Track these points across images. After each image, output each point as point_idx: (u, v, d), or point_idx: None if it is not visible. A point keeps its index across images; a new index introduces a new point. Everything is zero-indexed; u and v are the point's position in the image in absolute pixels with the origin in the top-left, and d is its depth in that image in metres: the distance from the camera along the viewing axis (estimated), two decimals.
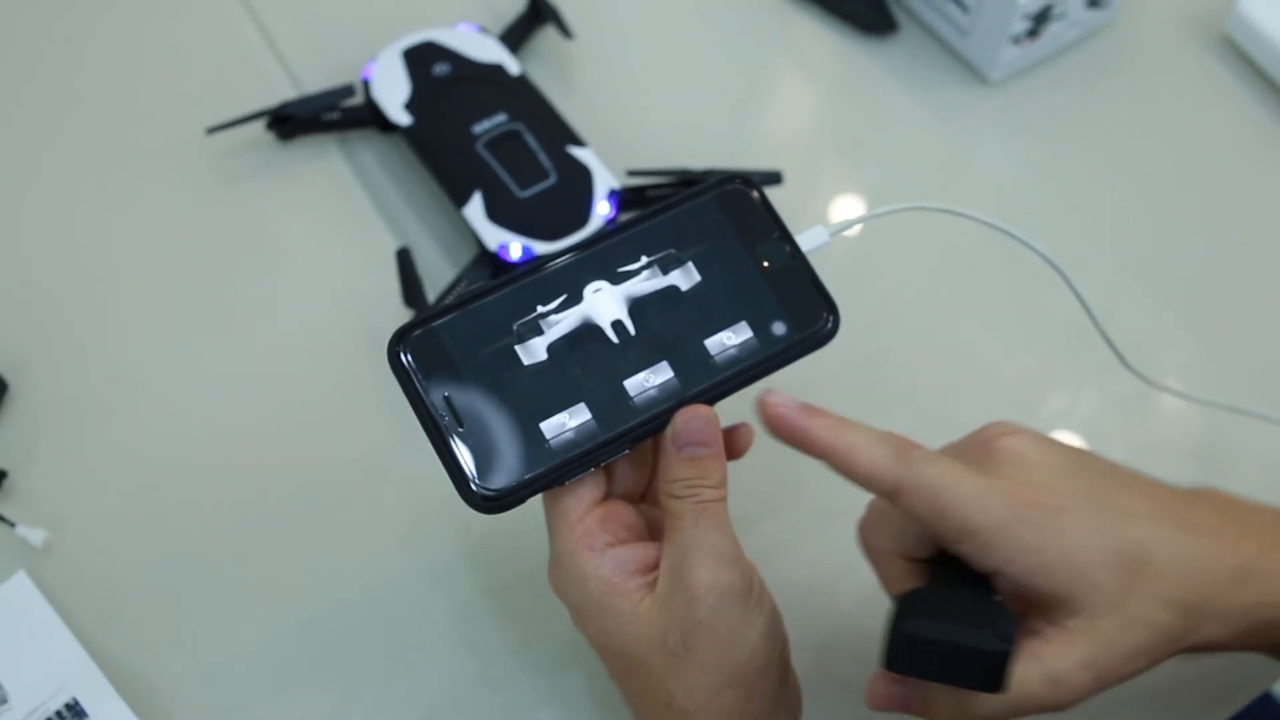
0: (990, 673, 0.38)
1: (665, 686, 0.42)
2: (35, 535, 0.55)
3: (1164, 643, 0.40)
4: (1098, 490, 0.42)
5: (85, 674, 0.52)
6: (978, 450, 0.42)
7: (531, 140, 0.64)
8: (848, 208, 0.69)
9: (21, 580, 0.54)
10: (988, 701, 0.39)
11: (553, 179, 0.63)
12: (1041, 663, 0.39)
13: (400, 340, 0.43)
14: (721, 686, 0.41)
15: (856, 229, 0.47)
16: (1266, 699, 0.55)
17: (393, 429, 0.59)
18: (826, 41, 0.75)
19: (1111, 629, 0.40)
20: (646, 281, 0.45)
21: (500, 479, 0.42)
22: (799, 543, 0.57)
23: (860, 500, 0.59)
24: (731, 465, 0.44)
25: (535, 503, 0.43)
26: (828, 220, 0.47)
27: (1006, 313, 0.65)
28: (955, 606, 0.40)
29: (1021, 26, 0.69)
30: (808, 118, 0.74)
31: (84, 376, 0.61)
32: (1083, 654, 0.39)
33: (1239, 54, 0.75)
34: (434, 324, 0.44)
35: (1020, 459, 0.42)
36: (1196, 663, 0.54)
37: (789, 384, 0.46)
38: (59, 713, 0.51)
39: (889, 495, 0.41)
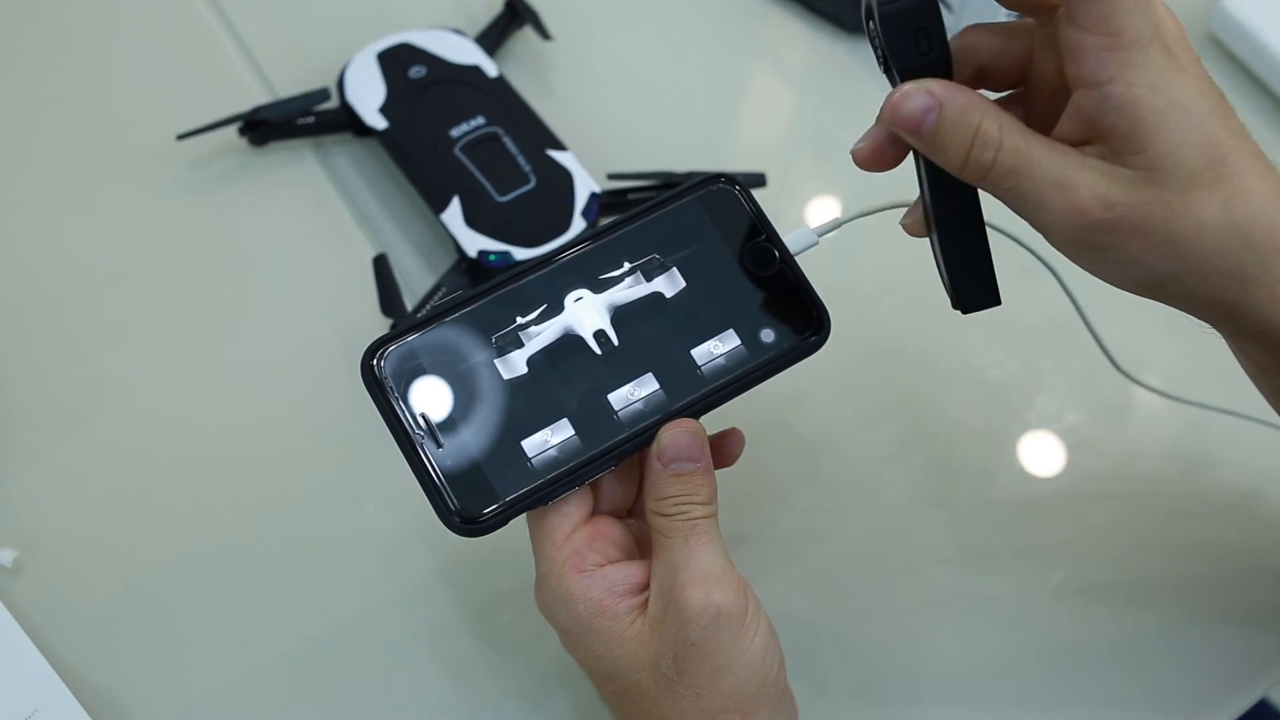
0: None
1: (659, 710, 0.41)
2: (5, 555, 0.54)
3: (1194, 260, 0.38)
4: (1219, 97, 0.39)
5: (56, 696, 0.51)
6: None
7: (510, 144, 0.63)
8: (831, 209, 0.68)
9: None
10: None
11: (533, 183, 0.62)
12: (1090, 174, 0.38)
13: (374, 356, 0.42)
14: (717, 711, 0.40)
15: (840, 230, 0.46)
16: (1263, 706, 0.55)
17: (373, 440, 0.58)
18: (806, 40, 0.74)
19: (1165, 206, 0.37)
20: (629, 289, 0.44)
21: (480, 500, 0.41)
22: (788, 560, 0.57)
23: (849, 518, 0.58)
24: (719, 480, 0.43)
25: (520, 518, 0.42)
26: (812, 222, 0.46)
27: (994, 315, 0.65)
28: None
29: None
30: (789, 118, 0.73)
31: (55, 391, 0.59)
32: (1128, 197, 0.37)
33: (1223, 50, 0.74)
34: (408, 338, 0.42)
35: (1165, 19, 0.38)
36: (1191, 667, 0.54)
37: (777, 390, 0.45)
38: None
39: None
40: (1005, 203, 0.40)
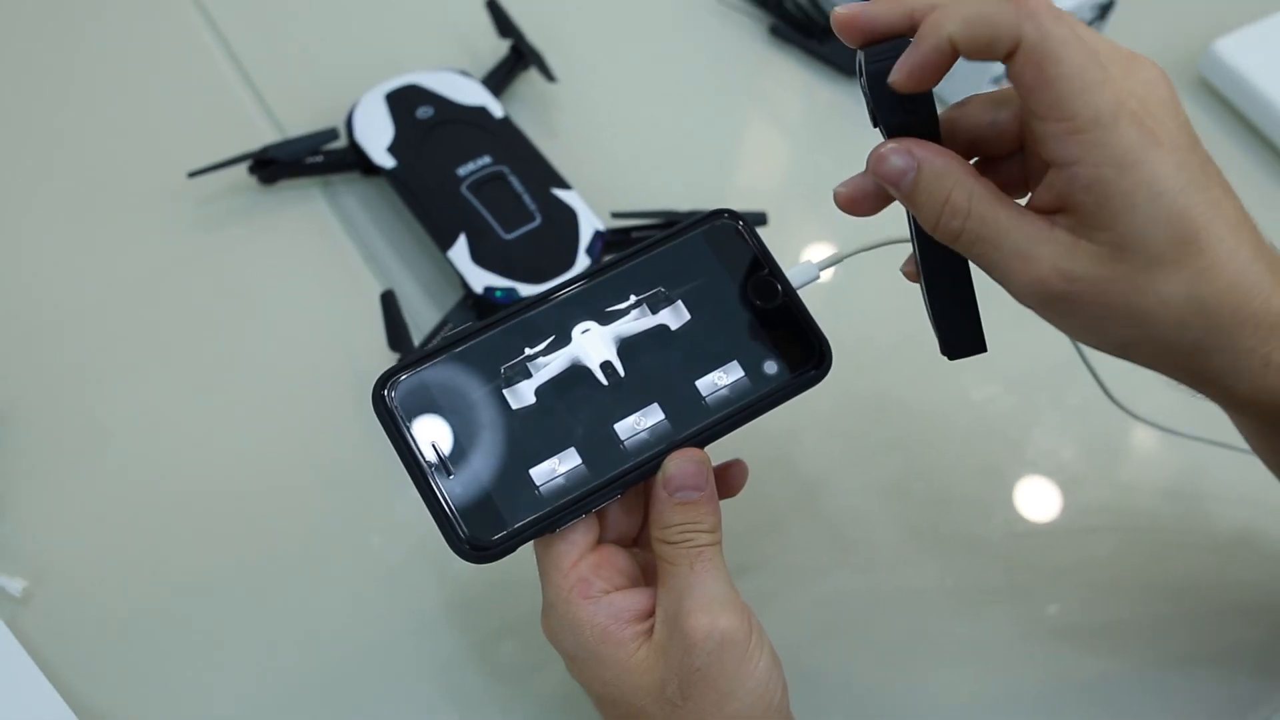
0: None
1: None
2: (14, 585, 0.54)
3: (1156, 331, 0.38)
4: (1202, 165, 0.38)
5: None
6: (1110, 48, 0.38)
7: (516, 182, 0.64)
8: (830, 248, 0.69)
9: None
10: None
11: (538, 221, 0.63)
12: (1055, 247, 0.38)
13: (385, 385, 0.42)
14: None
15: (838, 268, 0.47)
16: None
17: (379, 473, 0.58)
18: (806, 83, 0.76)
19: (1127, 282, 0.37)
20: (635, 321, 0.45)
21: (489, 527, 0.41)
22: (787, 592, 0.57)
23: (846, 552, 0.59)
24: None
25: (524, 548, 0.43)
26: (811, 261, 0.47)
27: (991, 351, 0.66)
28: None
29: (1001, 68, 0.69)
30: (789, 159, 0.75)
31: (64, 423, 0.60)
32: (1090, 271, 0.38)
33: (1213, 94, 0.76)
34: (419, 368, 0.43)
35: (1150, 84, 0.38)
36: (1186, 704, 0.54)
37: (777, 425, 0.46)
38: None
39: (1001, 52, 0.37)
40: (975, 264, 0.41)
